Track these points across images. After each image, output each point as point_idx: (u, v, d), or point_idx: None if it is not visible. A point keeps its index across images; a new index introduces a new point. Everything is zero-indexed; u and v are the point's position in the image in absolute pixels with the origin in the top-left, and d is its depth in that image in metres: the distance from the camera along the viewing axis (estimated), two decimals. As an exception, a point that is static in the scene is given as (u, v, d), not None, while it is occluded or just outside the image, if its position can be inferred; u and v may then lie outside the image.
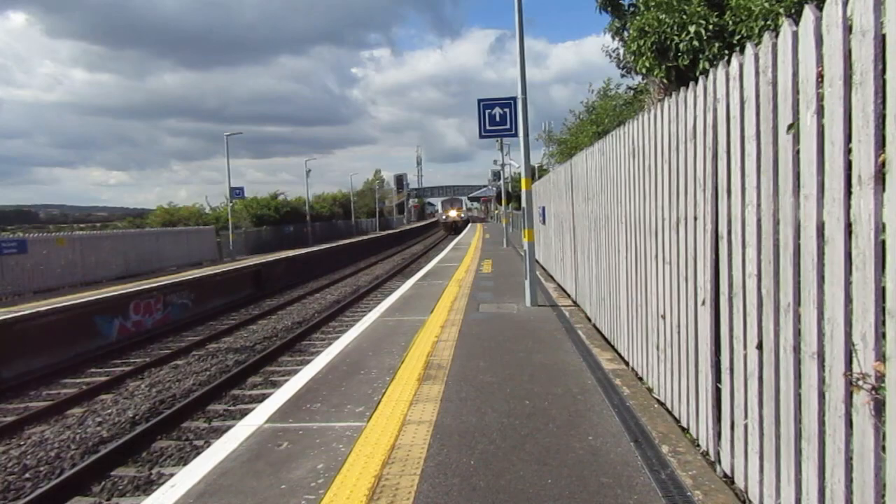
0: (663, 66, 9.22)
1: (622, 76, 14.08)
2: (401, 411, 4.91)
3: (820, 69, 2.34)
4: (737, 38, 8.59)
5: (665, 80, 9.46)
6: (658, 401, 4.84)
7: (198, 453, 6.27)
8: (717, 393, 3.58)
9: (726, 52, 8.63)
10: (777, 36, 2.72)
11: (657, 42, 9.06)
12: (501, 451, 4.04)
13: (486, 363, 6.37)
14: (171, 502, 3.52)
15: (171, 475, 4.29)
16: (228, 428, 5.14)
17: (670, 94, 4.34)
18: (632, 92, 19.57)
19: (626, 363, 5.98)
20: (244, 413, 6.76)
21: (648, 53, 9.18)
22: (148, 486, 6.57)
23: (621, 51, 12.70)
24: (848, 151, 2.18)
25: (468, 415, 4.79)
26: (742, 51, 3.13)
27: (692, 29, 8.76)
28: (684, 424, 4.21)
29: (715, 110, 3.48)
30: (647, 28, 9.13)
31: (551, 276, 13.41)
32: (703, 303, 3.75)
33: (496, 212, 62.59)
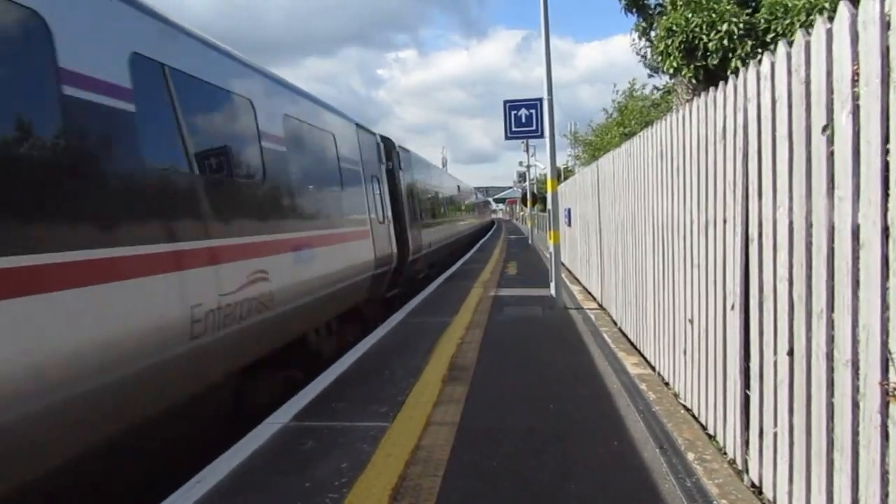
0: (691, 66, 9.08)
1: (649, 76, 13.92)
2: (425, 412, 4.90)
3: (856, 67, 2.28)
4: (770, 36, 8.43)
5: (693, 81, 9.32)
6: (684, 407, 4.76)
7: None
8: (746, 400, 3.50)
9: (758, 50, 8.47)
10: (810, 34, 2.66)
11: (685, 41, 8.93)
12: (524, 455, 4.01)
13: (510, 366, 6.33)
14: (196, 497, 3.56)
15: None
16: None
17: (699, 95, 4.27)
18: (659, 92, 19.35)
19: (652, 368, 5.89)
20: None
21: (676, 53, 9.06)
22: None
23: (648, 51, 12.55)
24: (885, 152, 2.11)
25: (492, 417, 4.77)
26: (774, 49, 3.07)
27: (722, 27, 8.61)
28: (711, 431, 4.13)
29: (745, 110, 3.41)
30: (674, 27, 9.00)
31: (577, 279, 13.30)
32: (733, 307, 3.68)
33: (521, 213, 62.36)
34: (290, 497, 3.54)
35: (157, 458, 4.51)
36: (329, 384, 5.83)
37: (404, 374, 6.08)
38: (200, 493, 3.62)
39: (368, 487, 3.62)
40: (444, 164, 53.51)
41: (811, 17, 7.80)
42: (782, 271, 2.96)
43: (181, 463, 4.30)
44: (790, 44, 2.87)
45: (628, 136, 14.54)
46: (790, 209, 2.87)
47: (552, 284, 10.10)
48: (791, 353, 2.89)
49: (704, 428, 4.27)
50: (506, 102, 10.91)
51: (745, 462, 3.51)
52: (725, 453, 3.84)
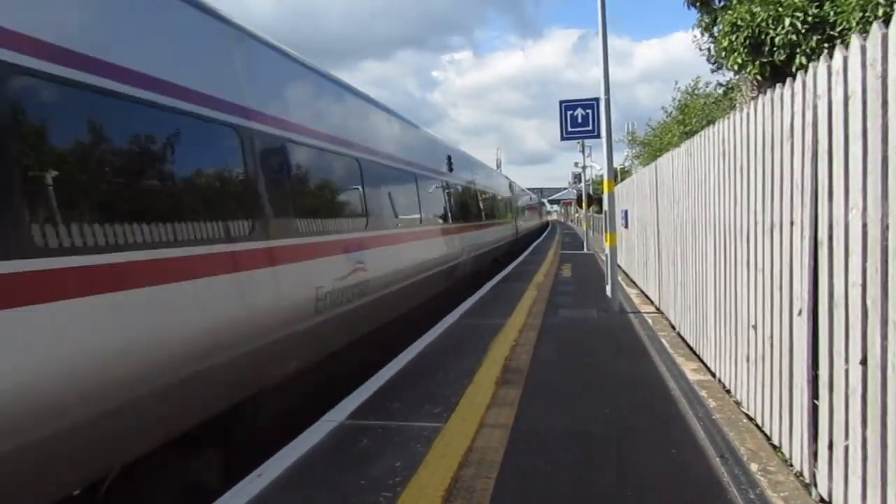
0: (757, 62, 8.78)
1: (712, 72, 13.49)
2: (478, 414, 4.90)
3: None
4: (838, 29, 8.06)
5: (758, 77, 9.01)
6: (747, 415, 4.59)
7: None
8: (814, 410, 3.35)
9: (825, 45, 8.12)
10: (888, 25, 2.52)
11: (750, 37, 8.64)
12: (580, 460, 3.96)
13: (564, 369, 6.26)
14: (257, 491, 3.66)
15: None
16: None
17: (764, 91, 4.12)
18: (721, 89, 18.78)
19: (713, 374, 5.72)
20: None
21: (741, 49, 8.77)
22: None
23: (711, 47, 12.20)
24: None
25: (546, 420, 4.72)
26: (845, 43, 2.93)
27: (788, 22, 8.29)
28: (776, 442, 3.97)
29: (815, 107, 3.27)
30: (739, 22, 8.72)
31: (633, 282, 13.04)
32: (800, 313, 3.53)
33: (576, 215, 61.50)
34: (346, 493, 3.60)
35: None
36: (384, 383, 5.89)
37: (457, 375, 6.09)
38: (261, 486, 3.72)
39: (422, 487, 3.64)
40: (499, 166, 53.28)
41: (885, 11, 7.42)
42: (855, 276, 2.83)
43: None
44: (865, 36, 2.74)
45: (689, 135, 14.16)
46: (864, 211, 2.73)
47: (608, 287, 9.93)
48: (864, 362, 2.75)
49: (769, 438, 4.11)
50: (562, 103, 10.80)
51: (814, 475, 3.36)
52: (791, 465, 3.69)
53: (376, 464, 4.00)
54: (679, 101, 24.63)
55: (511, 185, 27.95)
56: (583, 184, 30.75)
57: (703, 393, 5.24)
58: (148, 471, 3.87)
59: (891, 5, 7.41)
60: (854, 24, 7.74)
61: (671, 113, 26.34)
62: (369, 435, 4.53)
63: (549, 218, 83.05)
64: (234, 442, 4.69)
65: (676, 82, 40.94)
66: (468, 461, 3.99)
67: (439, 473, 3.82)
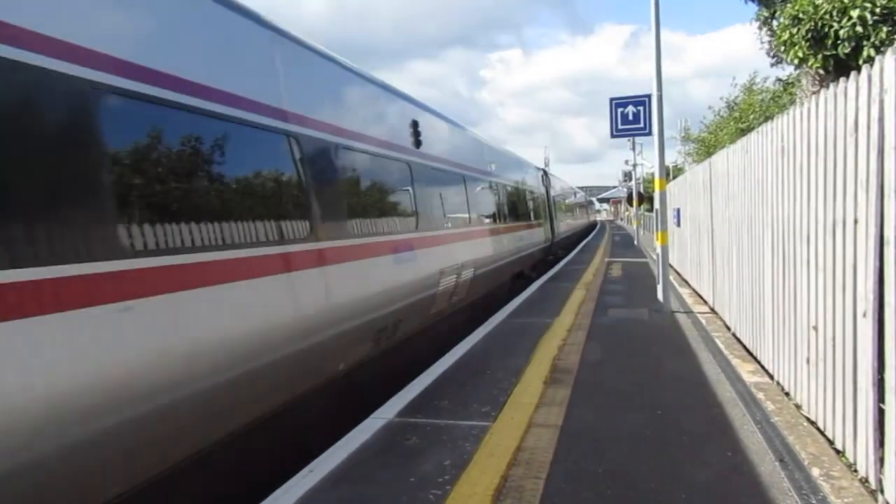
0: (819, 56, 8.46)
1: (771, 66, 13.05)
2: (526, 413, 4.88)
3: None
4: None
5: (821, 71, 8.68)
6: (808, 419, 4.45)
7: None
8: (880, 414, 3.22)
9: (895, 37, 7.76)
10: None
11: (812, 30, 8.34)
12: (631, 461, 3.91)
13: (614, 369, 6.18)
14: (309, 486, 3.74)
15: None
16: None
17: (827, 86, 3.98)
18: (781, 84, 18.18)
19: (771, 376, 5.55)
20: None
21: (802, 42, 8.47)
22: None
23: (770, 41, 11.82)
24: None
25: (596, 421, 4.67)
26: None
27: (855, 14, 7.96)
28: (839, 446, 3.83)
29: (881, 102, 3.14)
30: (800, 15, 8.43)
31: (686, 281, 12.75)
32: (865, 314, 3.40)
33: (626, 213, 60.45)
34: (395, 490, 3.65)
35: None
36: (432, 382, 5.94)
37: (505, 374, 6.08)
38: (313, 481, 3.80)
39: (471, 486, 3.66)
40: (547, 164, 52.75)
41: None
42: (925, 276, 2.71)
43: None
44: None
45: (745, 131, 13.77)
46: (935, 208, 2.61)
47: (659, 287, 9.73)
48: (935, 365, 2.63)
49: (831, 442, 3.97)
50: (612, 100, 10.66)
51: (880, 481, 3.23)
52: (856, 470, 3.56)
53: (425, 462, 4.04)
54: (734, 98, 23.95)
55: (543, 177, 21.15)
56: (633, 182, 30.23)
57: (760, 395, 5.10)
58: (220, 457, 4.04)
59: None
60: None
61: (719, 112, 25.64)
62: (418, 433, 4.57)
63: (598, 217, 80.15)
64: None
65: (734, 78, 39.79)
66: (517, 461, 3.99)
67: (489, 472, 3.83)
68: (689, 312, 9.42)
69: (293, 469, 4.02)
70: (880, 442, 3.23)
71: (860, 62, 7.82)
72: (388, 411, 5.10)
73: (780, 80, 18.11)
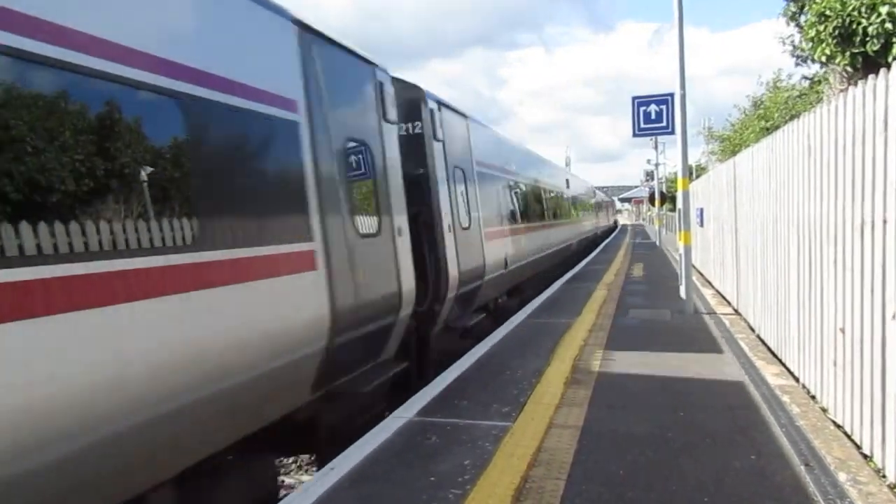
0: (847, 53, 8.30)
1: (797, 65, 12.83)
2: (547, 414, 4.86)
3: None
4: None
5: (849, 69, 8.52)
6: (834, 422, 4.37)
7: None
8: (910, 419, 3.15)
9: None
10: None
11: (840, 26, 8.18)
12: (652, 463, 3.87)
13: (636, 370, 6.12)
14: (330, 484, 3.77)
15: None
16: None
17: (855, 83, 3.90)
18: (807, 82, 17.87)
19: (796, 379, 5.46)
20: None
21: (829, 39, 8.32)
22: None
23: (796, 37, 11.62)
24: None
25: (617, 422, 4.64)
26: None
27: (884, 10, 7.79)
28: (866, 451, 3.76)
29: (912, 99, 3.07)
30: (828, 12, 8.27)
31: (709, 282, 12.59)
32: (894, 316, 3.33)
33: (648, 213, 59.83)
34: (416, 489, 3.65)
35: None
36: (452, 381, 5.93)
37: (525, 374, 6.06)
38: (334, 479, 3.83)
39: (492, 486, 3.65)
40: (567, 164, 52.35)
41: None
42: (957, 277, 2.64)
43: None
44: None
45: (770, 130, 13.56)
46: (968, 207, 2.55)
47: (682, 287, 9.62)
48: (967, 369, 2.57)
49: (859, 447, 3.89)
50: (634, 98, 10.55)
51: (908, 488, 3.16)
52: (885, 476, 3.48)
53: (445, 461, 4.04)
54: (759, 96, 23.57)
55: (540, 163, 16.52)
56: (655, 181, 29.94)
57: (785, 398, 5.01)
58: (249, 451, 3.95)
59: None
60: None
61: (744, 110, 25.25)
62: (438, 432, 4.58)
63: (620, 218, 77.28)
64: None
65: (760, 76, 39.14)
66: (538, 461, 3.97)
67: (509, 473, 3.82)
68: (712, 313, 9.30)
69: None
70: (910, 447, 3.17)
71: (889, 59, 7.66)
72: (408, 410, 5.11)
73: (806, 78, 17.80)
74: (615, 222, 59.72)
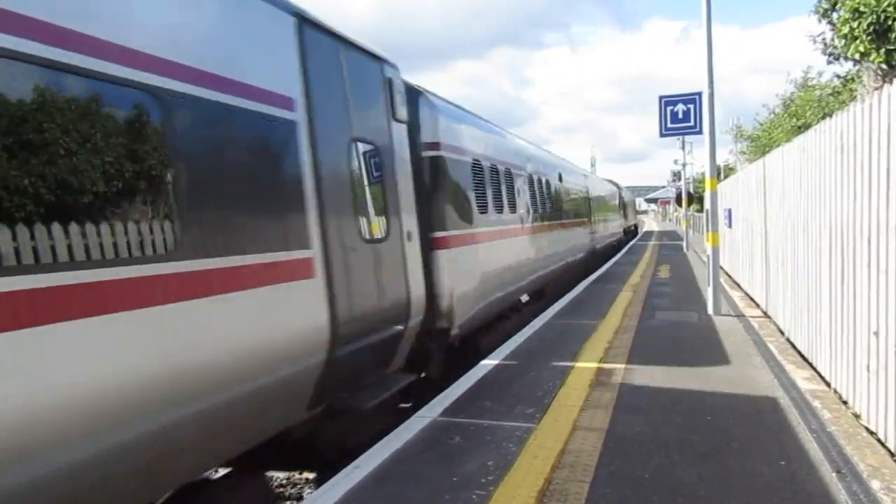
0: (882, 50, 8.11)
1: (828, 63, 12.57)
2: (571, 416, 4.83)
3: None
4: None
5: (883, 66, 8.32)
6: (867, 429, 4.26)
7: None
8: (947, 426, 3.06)
9: None
10: None
11: (875, 23, 8.00)
12: (678, 467, 3.82)
13: (662, 373, 6.05)
14: (355, 481, 3.79)
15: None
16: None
17: (890, 81, 3.80)
18: (839, 80, 17.51)
19: (827, 384, 5.34)
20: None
21: (863, 36, 8.14)
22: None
23: (828, 35, 11.38)
24: None
25: (642, 425, 4.58)
26: None
27: (921, 5, 7.60)
28: (901, 459, 3.66)
29: (951, 96, 2.99)
30: (861, 8, 8.09)
31: (737, 284, 12.39)
32: (930, 320, 3.24)
33: (675, 214, 59.06)
34: (439, 489, 3.65)
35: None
36: (476, 382, 5.92)
37: (550, 376, 6.03)
38: (359, 477, 3.85)
39: (515, 487, 3.64)
40: (593, 164, 51.84)
41: None
42: None
43: None
44: None
45: (801, 129, 13.30)
46: None
47: (709, 289, 9.48)
48: None
49: (893, 454, 3.80)
50: (661, 97, 10.43)
51: (945, 497, 3.07)
52: (919, 485, 3.39)
53: (469, 461, 4.04)
54: (789, 95, 23.15)
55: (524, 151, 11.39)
56: (682, 182, 29.54)
57: (816, 403, 4.91)
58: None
59: None
60: None
61: (774, 109, 24.83)
62: (461, 433, 4.57)
63: (641, 220, 66.23)
64: None
65: (789, 73, 38.40)
66: (562, 463, 3.95)
67: (532, 474, 3.80)
68: (740, 316, 9.15)
69: None
70: (947, 455, 3.08)
71: (927, 56, 7.47)
72: (432, 410, 5.11)
73: (838, 76, 17.43)
74: (634, 227, 45.65)
